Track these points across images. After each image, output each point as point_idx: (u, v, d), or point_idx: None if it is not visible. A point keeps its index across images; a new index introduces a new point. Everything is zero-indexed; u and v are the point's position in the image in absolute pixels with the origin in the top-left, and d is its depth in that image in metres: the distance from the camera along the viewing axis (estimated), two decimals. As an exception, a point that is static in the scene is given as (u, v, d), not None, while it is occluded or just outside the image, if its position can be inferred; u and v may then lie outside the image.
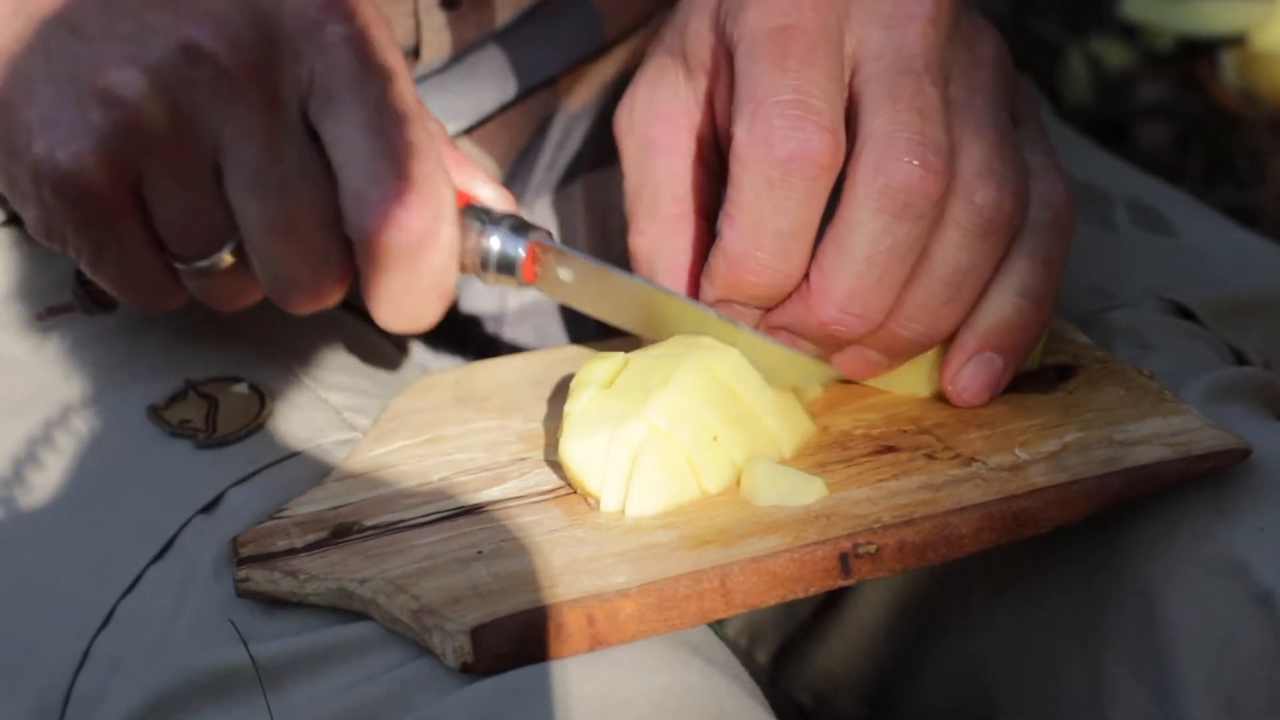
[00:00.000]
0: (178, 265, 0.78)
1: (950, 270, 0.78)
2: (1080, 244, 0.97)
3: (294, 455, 0.85)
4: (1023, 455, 0.78)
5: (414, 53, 0.95)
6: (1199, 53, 1.97)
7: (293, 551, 0.77)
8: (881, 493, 0.77)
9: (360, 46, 0.76)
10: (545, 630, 0.71)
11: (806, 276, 0.79)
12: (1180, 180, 1.81)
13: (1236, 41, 1.95)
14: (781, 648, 0.97)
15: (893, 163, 0.76)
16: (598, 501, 0.77)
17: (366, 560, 0.76)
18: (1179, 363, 0.89)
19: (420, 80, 0.95)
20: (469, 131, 0.98)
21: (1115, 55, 1.99)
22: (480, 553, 0.75)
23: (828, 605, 0.93)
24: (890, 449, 0.80)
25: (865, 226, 0.76)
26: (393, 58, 0.77)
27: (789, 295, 0.79)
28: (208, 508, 0.84)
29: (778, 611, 0.96)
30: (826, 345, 0.80)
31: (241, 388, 0.88)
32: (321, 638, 0.76)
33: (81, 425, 0.88)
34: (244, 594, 0.77)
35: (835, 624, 0.93)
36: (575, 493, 0.79)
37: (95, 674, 0.83)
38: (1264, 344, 0.94)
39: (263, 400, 0.87)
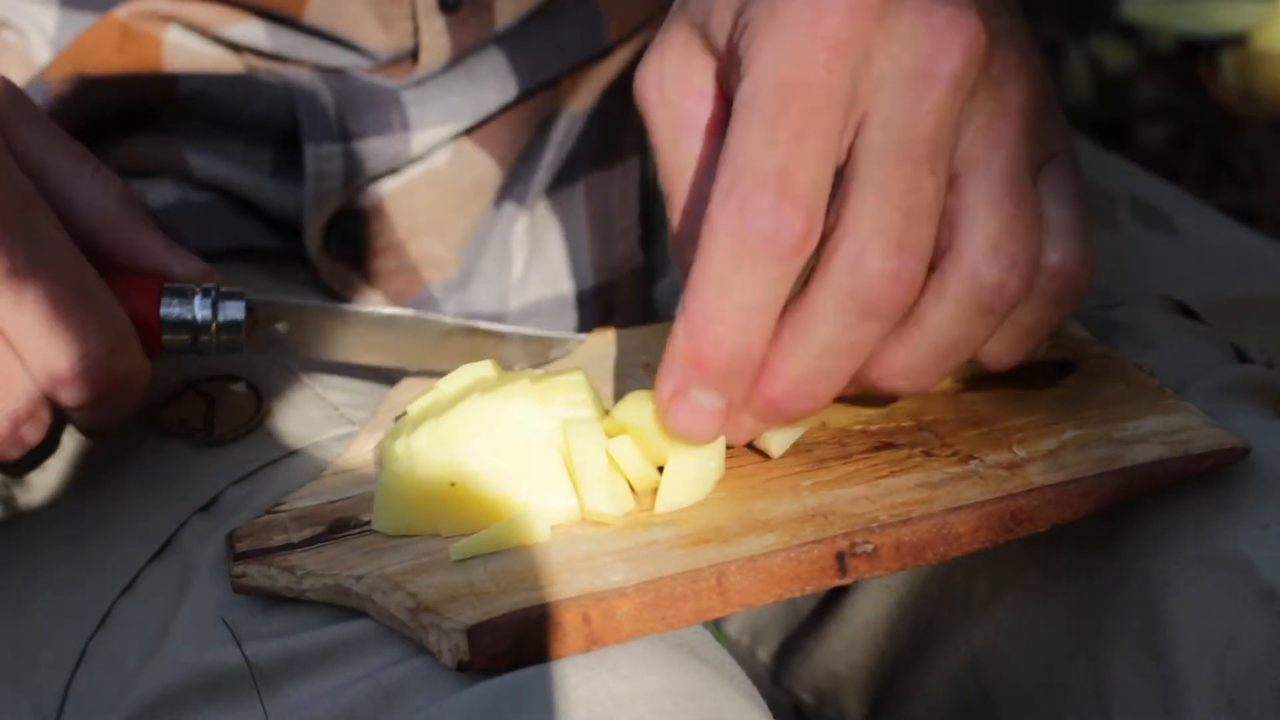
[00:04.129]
0: None
1: (943, 339, 0.75)
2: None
3: (292, 454, 0.85)
4: (1020, 453, 0.78)
5: (412, 56, 0.95)
6: (1199, 53, 1.97)
7: (289, 547, 0.77)
8: (879, 490, 0.76)
9: None
10: (541, 629, 0.71)
11: None
12: (1180, 180, 1.81)
13: (1236, 41, 1.95)
14: (783, 645, 0.97)
15: (866, 266, 0.72)
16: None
17: (363, 556, 0.75)
18: (1181, 361, 0.89)
19: (419, 83, 0.95)
20: (470, 131, 0.98)
21: (1115, 55, 1.99)
22: (476, 548, 0.75)
23: (829, 602, 0.93)
24: (888, 445, 0.79)
25: (828, 320, 0.73)
26: (20, 183, 0.77)
27: (744, 375, 0.74)
28: (206, 507, 0.84)
29: (779, 609, 0.96)
30: (771, 420, 0.76)
31: (239, 387, 0.88)
32: (319, 637, 0.76)
33: (80, 425, 0.88)
34: (241, 590, 0.77)
35: (837, 621, 0.93)
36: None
37: (93, 674, 0.83)
38: (1266, 342, 0.94)
39: (260, 399, 0.87)
